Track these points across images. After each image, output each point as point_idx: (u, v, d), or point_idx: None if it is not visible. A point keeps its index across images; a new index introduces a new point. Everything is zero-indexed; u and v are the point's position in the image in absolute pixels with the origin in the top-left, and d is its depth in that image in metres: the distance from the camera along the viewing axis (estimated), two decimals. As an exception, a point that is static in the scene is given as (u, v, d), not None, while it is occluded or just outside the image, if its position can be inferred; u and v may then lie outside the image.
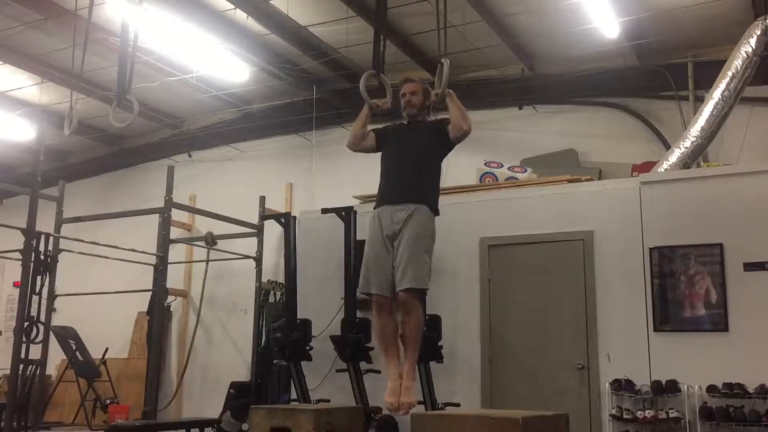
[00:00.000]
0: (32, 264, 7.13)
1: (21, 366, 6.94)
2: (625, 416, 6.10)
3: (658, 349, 6.31)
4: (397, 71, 6.71)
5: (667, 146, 7.72)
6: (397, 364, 4.50)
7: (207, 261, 9.20)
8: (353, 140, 4.86)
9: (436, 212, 4.74)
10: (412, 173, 4.65)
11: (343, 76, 9.24)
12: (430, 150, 4.70)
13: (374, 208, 4.72)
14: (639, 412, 6.07)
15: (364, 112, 4.87)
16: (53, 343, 8.56)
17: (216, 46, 8.11)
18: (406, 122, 4.89)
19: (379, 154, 4.93)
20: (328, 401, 7.22)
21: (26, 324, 6.96)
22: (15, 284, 9.89)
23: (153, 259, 8.19)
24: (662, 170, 7.05)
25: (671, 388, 6.06)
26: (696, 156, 7.12)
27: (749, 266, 6.13)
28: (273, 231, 8.96)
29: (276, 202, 9.65)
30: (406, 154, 4.71)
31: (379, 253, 4.53)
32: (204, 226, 9.59)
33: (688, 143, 7.05)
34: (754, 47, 6.94)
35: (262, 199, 9.13)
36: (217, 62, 8.53)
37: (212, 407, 8.74)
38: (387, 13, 5.46)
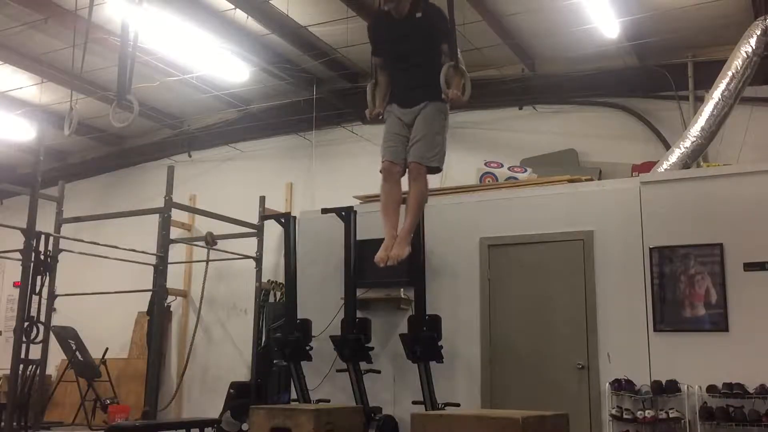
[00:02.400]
0: (32, 264, 7.12)
1: (21, 366, 6.94)
2: (625, 416, 6.10)
3: (658, 349, 6.31)
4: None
5: (667, 146, 7.73)
6: (394, 226, 4.57)
7: (207, 261, 9.20)
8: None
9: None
10: (416, 80, 4.61)
11: (343, 76, 9.24)
12: (429, 48, 4.58)
13: (388, 103, 4.74)
14: (639, 412, 6.07)
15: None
16: (53, 343, 8.56)
17: (216, 46, 8.11)
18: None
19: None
20: (328, 401, 7.23)
21: (26, 324, 6.96)
22: (15, 284, 9.90)
23: (153, 259, 8.19)
24: (662, 170, 7.05)
25: (671, 388, 6.06)
26: (696, 156, 7.12)
27: (749, 266, 6.13)
28: (273, 231, 8.96)
29: (276, 202, 9.65)
30: (406, 60, 4.65)
31: (395, 129, 4.65)
32: (204, 226, 9.59)
33: (688, 143, 7.05)
34: (754, 47, 6.95)
35: (262, 199, 9.14)
36: (217, 62, 8.53)
37: (212, 407, 8.74)
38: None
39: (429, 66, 4.52)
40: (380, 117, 4.77)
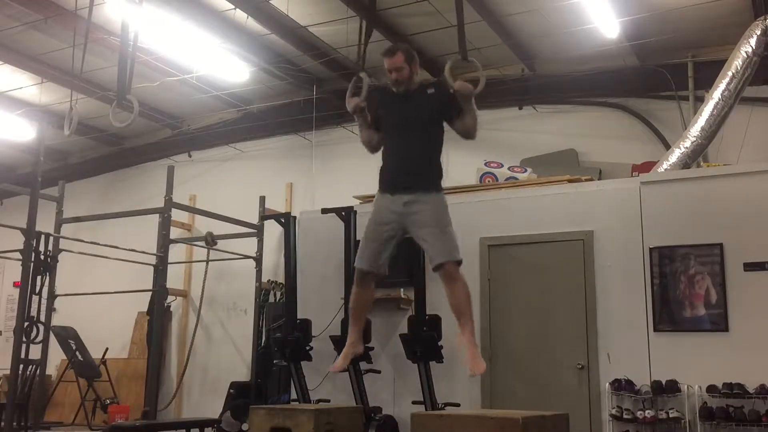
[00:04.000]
0: (32, 264, 7.13)
1: (21, 366, 6.94)
2: (625, 416, 6.10)
3: (658, 349, 6.31)
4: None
5: (667, 146, 7.72)
6: (360, 331, 4.69)
7: (207, 261, 9.19)
8: (369, 148, 4.66)
9: (441, 187, 4.54)
10: (414, 162, 4.42)
11: (343, 76, 9.22)
12: (432, 127, 4.47)
13: (378, 190, 4.56)
14: (639, 412, 6.07)
15: (358, 120, 4.64)
16: (53, 343, 8.56)
17: (216, 46, 8.11)
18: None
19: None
20: (328, 401, 7.23)
21: (26, 324, 6.96)
22: (15, 284, 9.89)
23: (153, 259, 8.19)
24: (662, 170, 7.05)
25: (671, 388, 6.06)
26: (696, 156, 7.12)
27: (749, 266, 6.13)
28: (273, 231, 8.96)
29: (276, 202, 9.65)
30: (406, 138, 4.45)
31: (372, 235, 4.52)
32: (204, 226, 9.58)
33: (688, 143, 7.05)
34: (754, 47, 6.95)
35: (262, 199, 9.13)
36: (217, 62, 8.53)
37: (212, 407, 8.75)
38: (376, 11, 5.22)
39: (427, 147, 4.42)
40: (362, 110, 4.52)
